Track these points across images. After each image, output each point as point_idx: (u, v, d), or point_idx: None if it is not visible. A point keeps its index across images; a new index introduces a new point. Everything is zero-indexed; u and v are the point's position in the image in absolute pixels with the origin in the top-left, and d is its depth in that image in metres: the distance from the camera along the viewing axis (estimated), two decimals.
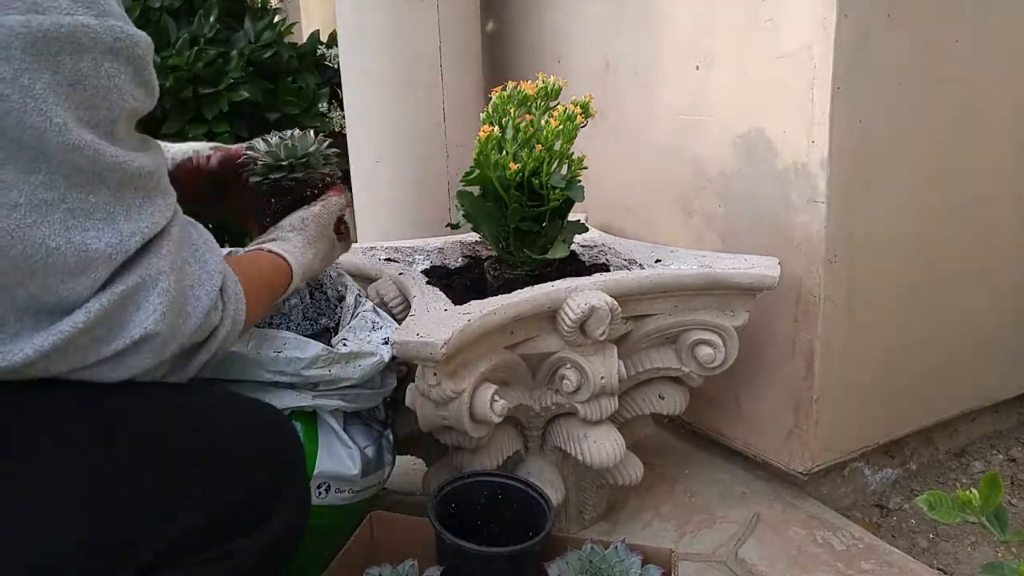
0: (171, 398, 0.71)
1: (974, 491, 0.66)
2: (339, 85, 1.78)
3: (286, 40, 2.16)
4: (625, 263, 1.21)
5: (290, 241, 0.92)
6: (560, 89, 1.12)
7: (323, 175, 1.03)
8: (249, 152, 1.02)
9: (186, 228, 0.70)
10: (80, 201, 0.59)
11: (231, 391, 0.85)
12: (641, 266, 1.18)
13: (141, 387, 0.69)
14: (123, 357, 0.64)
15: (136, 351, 0.64)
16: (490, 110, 1.10)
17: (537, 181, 1.08)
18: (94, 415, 0.65)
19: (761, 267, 1.13)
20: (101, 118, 0.59)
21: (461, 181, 1.12)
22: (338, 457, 1.02)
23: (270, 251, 0.89)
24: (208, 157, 1.04)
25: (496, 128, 1.06)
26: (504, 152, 1.05)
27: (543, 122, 1.06)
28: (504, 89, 1.10)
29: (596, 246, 1.32)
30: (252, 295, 0.78)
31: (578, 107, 1.08)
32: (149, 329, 0.63)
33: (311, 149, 1.01)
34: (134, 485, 0.63)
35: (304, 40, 2.25)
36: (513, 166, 1.05)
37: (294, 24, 2.34)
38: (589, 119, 1.11)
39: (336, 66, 2.07)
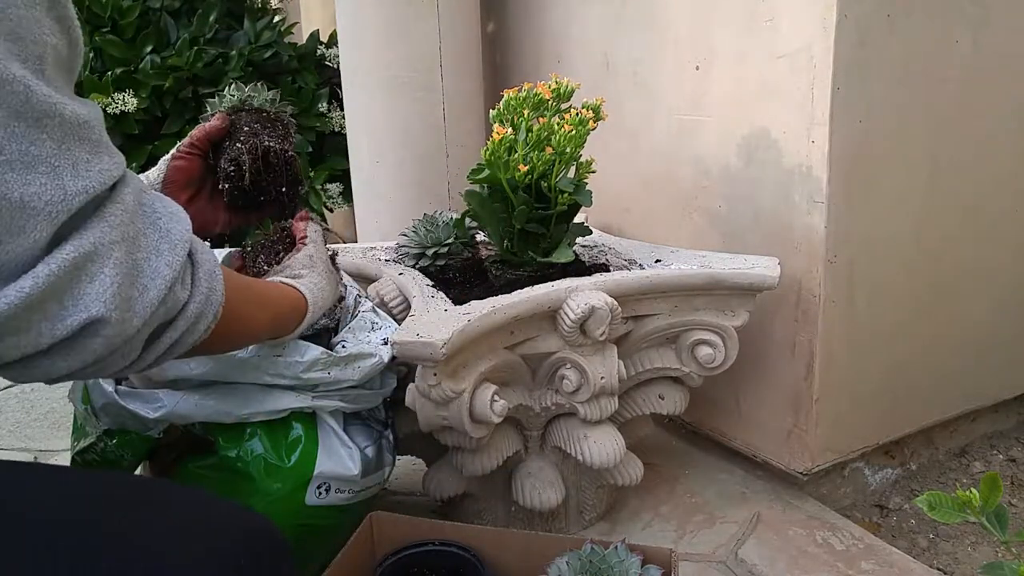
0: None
1: (974, 491, 0.66)
2: (339, 85, 1.78)
3: (286, 40, 2.16)
4: (625, 263, 1.21)
5: (304, 278, 0.93)
6: (573, 91, 1.12)
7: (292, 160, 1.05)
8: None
9: (143, 195, 0.62)
10: (20, 153, 0.52)
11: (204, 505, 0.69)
12: (641, 266, 1.18)
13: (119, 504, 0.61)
14: (76, 339, 0.56)
15: (92, 332, 0.57)
16: (501, 109, 1.10)
17: (546, 184, 1.08)
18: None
19: (761, 267, 1.13)
20: (29, 53, 0.52)
21: (468, 178, 1.12)
22: (338, 457, 1.02)
23: (282, 282, 0.91)
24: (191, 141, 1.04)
25: (510, 129, 1.07)
26: (515, 154, 1.05)
27: (555, 125, 1.06)
28: (519, 90, 1.10)
29: (596, 246, 1.32)
30: (249, 303, 0.76)
31: (589, 110, 1.08)
32: (103, 309, 0.56)
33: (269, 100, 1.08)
34: None
35: (304, 40, 2.25)
36: (523, 168, 1.05)
37: (294, 24, 2.34)
38: (599, 122, 1.11)
39: (336, 66, 2.07)
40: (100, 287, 0.56)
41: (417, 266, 1.21)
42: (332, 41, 2.19)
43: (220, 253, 1.17)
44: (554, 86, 1.11)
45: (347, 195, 2.07)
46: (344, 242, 2.37)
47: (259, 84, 1.09)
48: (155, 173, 1.03)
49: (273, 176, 1.04)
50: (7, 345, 0.54)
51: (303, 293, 0.91)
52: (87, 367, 0.59)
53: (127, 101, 1.85)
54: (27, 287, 0.53)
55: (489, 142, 1.07)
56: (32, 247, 0.53)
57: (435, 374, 0.97)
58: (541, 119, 1.08)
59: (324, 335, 1.13)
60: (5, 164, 0.51)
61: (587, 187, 1.12)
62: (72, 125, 0.54)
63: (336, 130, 2.12)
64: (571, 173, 1.12)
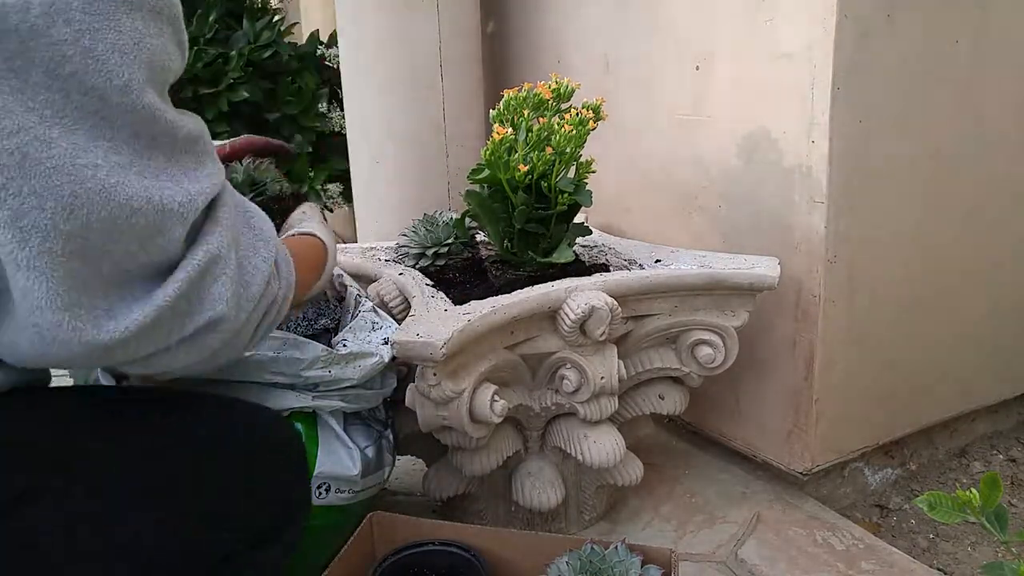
0: (210, 414, 0.75)
1: (974, 491, 0.66)
2: (339, 85, 1.78)
3: (286, 40, 2.16)
4: (625, 263, 1.21)
5: (308, 225, 0.94)
6: (573, 91, 1.12)
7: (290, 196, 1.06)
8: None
9: (236, 195, 0.68)
10: (145, 166, 0.57)
11: (247, 402, 0.86)
12: (641, 266, 1.18)
13: (184, 403, 0.74)
14: (197, 337, 0.62)
15: (212, 329, 0.62)
16: (501, 109, 1.10)
17: (546, 184, 1.08)
18: (151, 438, 0.68)
19: (761, 267, 1.13)
20: (156, 79, 0.58)
21: (468, 178, 1.12)
22: (338, 457, 1.02)
23: (299, 233, 0.91)
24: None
25: (510, 129, 1.06)
26: (515, 154, 1.05)
27: (555, 125, 1.06)
28: (519, 90, 1.10)
29: (596, 246, 1.32)
30: (302, 270, 0.77)
31: (589, 110, 1.08)
32: (224, 308, 0.62)
33: (268, 180, 1.08)
34: (198, 502, 0.67)
35: (304, 40, 2.25)
36: (523, 168, 1.05)
37: (294, 24, 2.35)
38: (599, 122, 1.11)
39: (336, 66, 2.07)
40: (222, 287, 0.62)
41: (417, 266, 1.21)
42: (332, 41, 2.19)
43: None
44: (554, 86, 1.11)
45: (347, 195, 2.08)
46: (344, 242, 2.37)
47: (270, 165, 1.09)
48: None
49: None
50: (144, 344, 0.59)
51: (322, 239, 0.91)
52: (202, 362, 0.64)
53: None
54: (171, 291, 0.59)
55: (489, 142, 1.06)
56: (174, 244, 0.59)
57: (435, 374, 0.97)
58: (541, 119, 1.07)
59: (324, 335, 1.13)
60: (140, 174, 0.57)
61: (587, 187, 1.12)
62: (187, 141, 0.61)
63: (336, 130, 2.12)
64: (571, 173, 1.12)
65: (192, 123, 0.63)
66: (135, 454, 0.66)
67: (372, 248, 1.35)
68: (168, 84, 0.61)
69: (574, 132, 1.05)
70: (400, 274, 1.17)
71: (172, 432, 0.70)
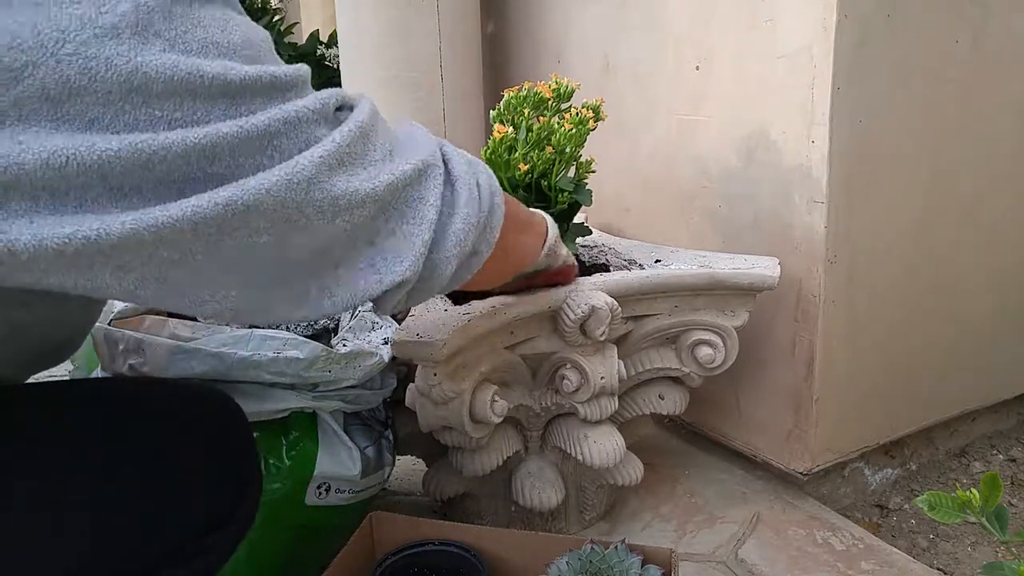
0: (142, 398, 0.72)
1: (974, 491, 0.66)
2: (339, 85, 1.78)
3: (286, 40, 2.16)
4: (625, 263, 1.21)
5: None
6: (573, 91, 1.12)
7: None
8: None
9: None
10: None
11: (186, 382, 0.82)
12: (641, 266, 1.18)
13: (109, 391, 0.71)
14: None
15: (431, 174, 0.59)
16: (501, 108, 1.10)
17: (546, 183, 1.08)
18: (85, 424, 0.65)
19: (761, 267, 1.13)
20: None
21: None
22: (338, 457, 1.02)
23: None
24: None
25: (511, 129, 1.07)
26: (515, 153, 1.06)
27: (555, 124, 1.06)
28: (520, 89, 1.10)
29: (596, 246, 1.32)
30: (510, 224, 0.71)
31: (589, 110, 1.08)
32: (433, 152, 0.60)
33: None
34: (134, 499, 0.63)
35: (304, 40, 2.25)
36: (523, 167, 1.05)
37: (294, 24, 2.35)
38: (599, 122, 1.11)
39: (336, 66, 2.08)
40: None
41: None
42: (332, 41, 2.19)
43: None
44: (554, 86, 1.11)
45: None
46: None
47: None
48: None
49: None
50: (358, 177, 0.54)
51: (545, 218, 0.89)
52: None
53: None
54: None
55: (490, 141, 1.07)
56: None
57: (435, 374, 0.97)
58: (541, 118, 1.08)
59: (324, 335, 1.13)
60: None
61: (587, 187, 1.12)
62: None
63: None
64: (571, 173, 1.13)
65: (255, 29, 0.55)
66: (67, 448, 0.63)
67: None
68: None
69: (574, 132, 1.06)
70: None
71: (105, 422, 0.67)
